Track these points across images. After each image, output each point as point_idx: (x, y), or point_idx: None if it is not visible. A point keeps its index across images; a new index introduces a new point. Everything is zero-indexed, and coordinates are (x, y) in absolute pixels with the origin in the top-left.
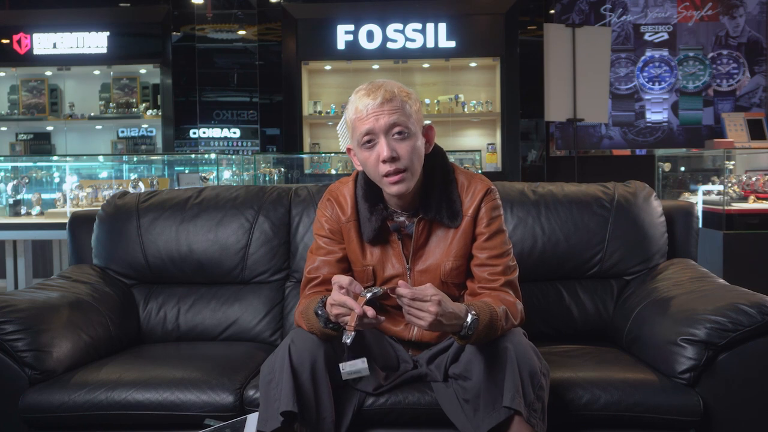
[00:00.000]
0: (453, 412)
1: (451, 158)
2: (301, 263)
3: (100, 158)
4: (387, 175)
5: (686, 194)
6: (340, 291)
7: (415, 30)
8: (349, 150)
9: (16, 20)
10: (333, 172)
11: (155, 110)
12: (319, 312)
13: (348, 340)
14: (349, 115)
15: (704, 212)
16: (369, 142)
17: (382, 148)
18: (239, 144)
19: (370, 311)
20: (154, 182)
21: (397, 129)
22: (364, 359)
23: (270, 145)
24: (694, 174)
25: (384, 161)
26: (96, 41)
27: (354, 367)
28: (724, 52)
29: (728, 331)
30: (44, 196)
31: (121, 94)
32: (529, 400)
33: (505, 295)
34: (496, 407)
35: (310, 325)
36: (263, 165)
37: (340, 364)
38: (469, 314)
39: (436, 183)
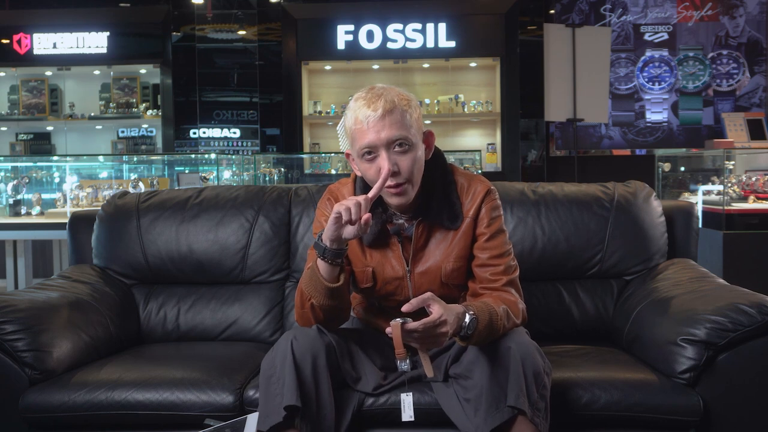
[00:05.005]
0: (453, 412)
1: (451, 158)
2: (301, 263)
3: (100, 158)
4: (388, 187)
5: (686, 194)
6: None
7: (415, 30)
8: (348, 155)
9: (16, 20)
10: (333, 172)
11: (155, 110)
12: (320, 243)
13: (405, 367)
14: (348, 123)
15: (704, 212)
16: (369, 154)
17: (384, 163)
18: (239, 144)
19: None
20: (154, 182)
21: (398, 143)
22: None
23: (270, 145)
24: (694, 174)
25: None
26: (96, 41)
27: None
28: (724, 52)
29: (728, 331)
30: (44, 196)
31: (121, 94)
32: (533, 399)
33: (506, 294)
34: (500, 407)
35: (313, 283)
36: (263, 165)
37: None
38: (467, 314)
39: (436, 185)
